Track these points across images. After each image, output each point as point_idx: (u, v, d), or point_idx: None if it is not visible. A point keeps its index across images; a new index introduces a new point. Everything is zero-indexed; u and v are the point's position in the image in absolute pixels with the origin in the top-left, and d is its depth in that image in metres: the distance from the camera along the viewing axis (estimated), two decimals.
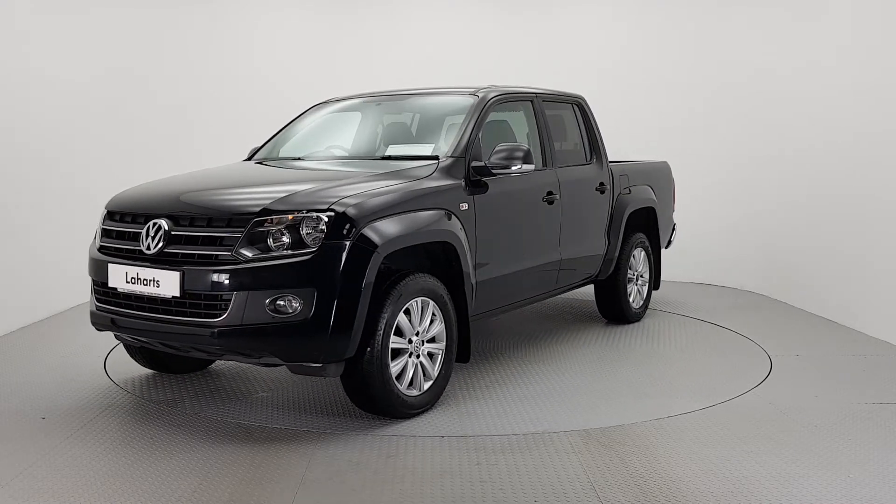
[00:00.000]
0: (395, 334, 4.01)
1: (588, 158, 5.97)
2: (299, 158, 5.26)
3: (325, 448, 3.78)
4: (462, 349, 4.52)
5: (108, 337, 5.63)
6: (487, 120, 5.00)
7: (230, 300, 3.71)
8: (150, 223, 4.01)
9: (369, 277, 3.81)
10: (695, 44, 8.31)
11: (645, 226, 6.68)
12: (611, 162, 6.40)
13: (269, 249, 3.75)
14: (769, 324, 6.47)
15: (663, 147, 7.98)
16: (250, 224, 3.77)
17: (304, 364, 3.85)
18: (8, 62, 6.39)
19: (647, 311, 6.79)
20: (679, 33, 8.39)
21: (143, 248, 3.99)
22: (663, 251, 7.11)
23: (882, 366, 5.23)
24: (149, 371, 5.10)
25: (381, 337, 3.89)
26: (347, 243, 3.76)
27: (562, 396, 4.58)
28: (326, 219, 3.77)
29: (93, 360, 5.38)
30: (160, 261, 3.91)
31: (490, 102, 5.04)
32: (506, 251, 4.93)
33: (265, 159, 5.42)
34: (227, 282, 3.70)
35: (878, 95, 5.98)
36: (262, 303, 3.69)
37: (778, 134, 7.48)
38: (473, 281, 4.56)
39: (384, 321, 3.91)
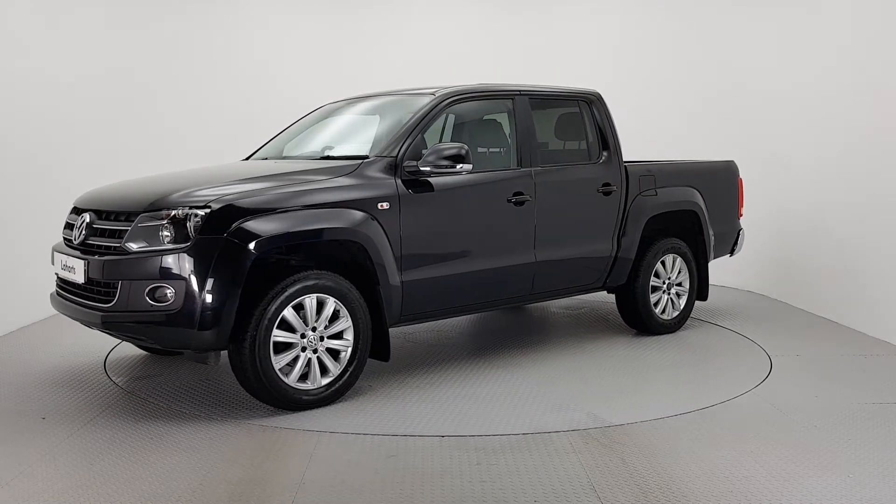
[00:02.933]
0: (282, 329, 4.15)
1: (594, 157, 5.71)
2: (266, 158, 5.50)
3: (325, 448, 3.78)
4: (380, 348, 4.57)
5: (108, 337, 5.64)
6: (444, 118, 5.04)
7: (117, 288, 4.05)
8: (80, 216, 4.48)
9: (239, 272, 3.98)
10: (701, 44, 8.31)
11: (689, 230, 6.27)
12: (637, 162, 6.11)
13: (159, 243, 4.03)
14: (769, 324, 6.47)
15: (663, 147, 7.98)
16: (137, 219, 4.11)
17: (190, 351, 4.13)
18: (5, 63, 6.38)
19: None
20: (690, 34, 8.41)
21: (72, 238, 4.49)
22: (730, 259, 6.73)
23: (882, 366, 5.23)
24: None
25: (258, 330, 4.05)
26: (219, 238, 3.98)
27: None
28: (203, 214, 4.00)
29: (93, 360, 5.38)
30: (81, 250, 4.35)
31: (443, 102, 5.00)
32: (448, 252, 4.84)
33: (253, 158, 5.64)
34: (111, 271, 4.07)
35: (878, 97, 5.98)
36: (142, 292, 3.99)
37: (779, 135, 7.48)
38: (398, 280, 4.57)
39: (264, 315, 4.07)
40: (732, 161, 6.68)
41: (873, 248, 6.04)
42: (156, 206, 4.10)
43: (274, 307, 4.10)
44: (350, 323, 4.38)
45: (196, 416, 4.25)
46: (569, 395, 4.58)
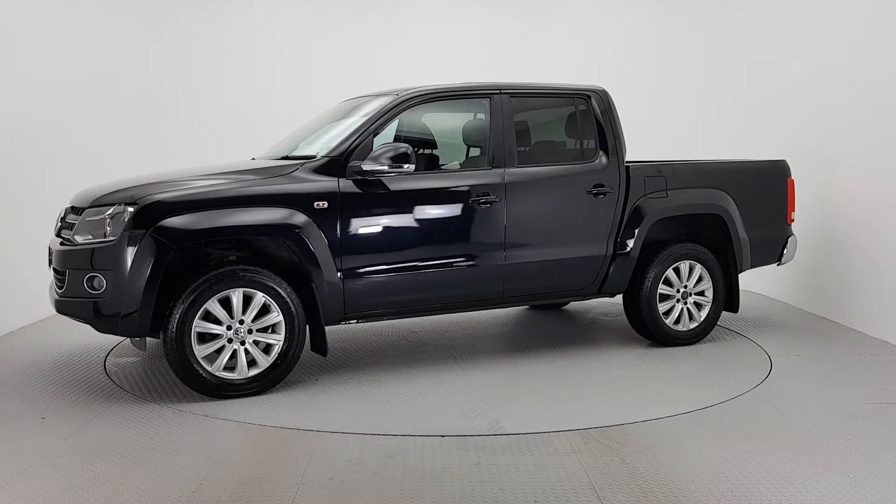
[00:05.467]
0: (206, 320, 4.42)
1: (588, 157, 5.50)
2: (253, 158, 5.69)
3: (325, 448, 3.78)
4: (318, 343, 4.74)
5: (108, 337, 5.64)
6: (404, 117, 5.10)
7: (66, 276, 4.46)
8: (63, 210, 4.87)
9: (158, 265, 4.31)
10: (707, 43, 8.32)
11: (720, 237, 5.85)
12: (646, 162, 5.80)
13: (103, 236, 4.38)
14: (769, 324, 6.47)
15: (661, 146, 7.97)
16: (83, 214, 4.51)
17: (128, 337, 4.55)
18: (9, 63, 6.39)
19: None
20: (697, 32, 8.42)
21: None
22: (778, 268, 6.35)
23: (882, 366, 5.23)
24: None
25: (178, 320, 4.34)
26: (142, 233, 4.31)
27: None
28: (132, 210, 4.34)
29: (93, 360, 5.38)
30: (59, 242, 4.69)
31: (402, 104, 5.03)
32: (398, 252, 4.88)
33: (259, 157, 5.73)
34: (62, 261, 4.52)
35: (881, 92, 5.97)
36: (81, 280, 4.38)
37: (779, 135, 7.47)
38: (337, 278, 4.69)
39: (183, 307, 4.35)
40: (782, 161, 6.14)
41: (873, 248, 6.04)
42: (98, 203, 4.49)
43: (193, 299, 4.35)
44: (281, 318, 4.54)
45: (196, 415, 4.25)
46: (493, 401, 4.47)
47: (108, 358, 5.45)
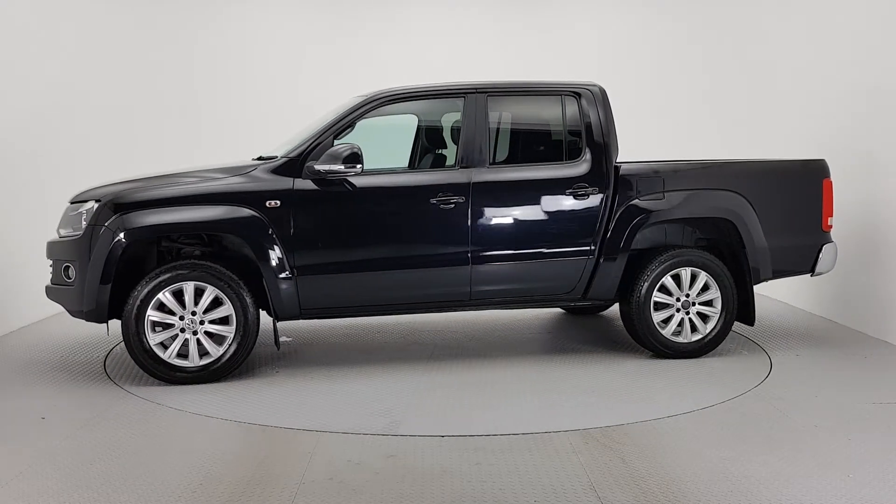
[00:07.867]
0: (159, 310, 4.71)
1: (571, 156, 5.26)
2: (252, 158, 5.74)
3: (325, 448, 3.78)
4: (276, 336, 5.00)
5: (108, 336, 5.64)
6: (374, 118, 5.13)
7: (52, 266, 4.95)
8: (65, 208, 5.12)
9: (110, 257, 4.65)
10: (706, 43, 8.32)
11: (735, 242, 5.41)
12: (641, 162, 5.40)
13: (81, 230, 4.74)
14: (769, 324, 6.47)
15: (657, 147, 7.96)
16: (65, 209, 4.92)
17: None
18: (18, 67, 6.39)
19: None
20: (700, 32, 8.42)
21: None
22: (814, 279, 5.92)
23: (882, 366, 5.23)
24: None
25: (133, 309, 4.65)
26: (100, 228, 4.68)
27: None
28: (96, 207, 4.72)
29: (93, 360, 5.39)
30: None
31: (369, 104, 5.06)
32: (352, 251, 4.97)
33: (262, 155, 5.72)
34: (47, 251, 5.01)
35: (864, 93, 5.98)
36: (60, 270, 4.86)
37: (778, 134, 7.48)
38: (290, 275, 4.84)
39: (137, 297, 4.66)
40: (819, 161, 5.57)
41: (873, 247, 6.04)
42: (76, 200, 4.90)
43: (146, 291, 4.66)
44: (232, 311, 4.78)
45: (196, 415, 4.26)
46: (409, 402, 4.46)
47: (108, 358, 5.45)
